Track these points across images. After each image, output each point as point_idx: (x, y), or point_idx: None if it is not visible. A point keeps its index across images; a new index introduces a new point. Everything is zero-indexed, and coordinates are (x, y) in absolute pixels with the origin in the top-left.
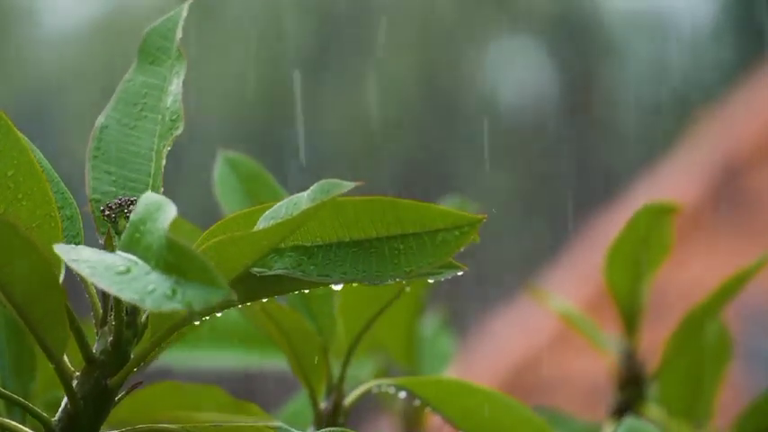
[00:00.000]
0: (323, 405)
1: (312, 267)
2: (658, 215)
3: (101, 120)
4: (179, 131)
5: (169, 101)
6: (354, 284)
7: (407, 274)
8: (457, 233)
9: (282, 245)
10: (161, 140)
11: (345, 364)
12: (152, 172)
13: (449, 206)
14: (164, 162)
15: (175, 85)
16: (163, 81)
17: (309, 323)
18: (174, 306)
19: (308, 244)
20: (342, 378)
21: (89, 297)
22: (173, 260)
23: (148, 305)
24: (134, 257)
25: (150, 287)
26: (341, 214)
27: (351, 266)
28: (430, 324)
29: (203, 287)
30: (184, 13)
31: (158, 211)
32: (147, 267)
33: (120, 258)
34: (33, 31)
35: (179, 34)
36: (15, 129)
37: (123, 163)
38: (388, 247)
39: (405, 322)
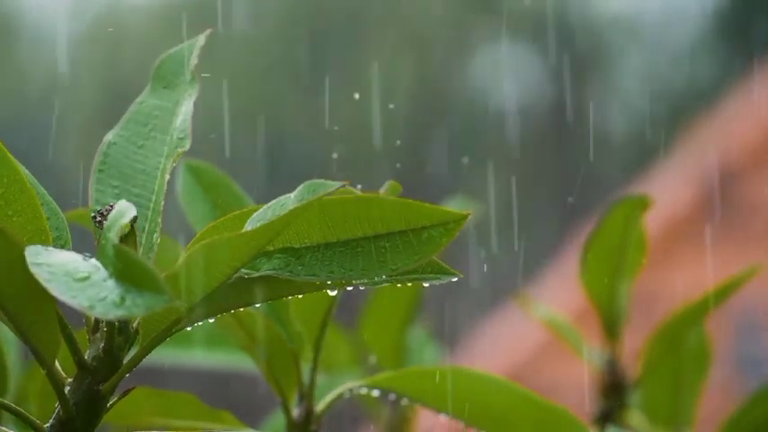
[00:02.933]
0: (295, 412)
1: (300, 268)
2: (633, 212)
3: (109, 137)
4: (185, 149)
5: (178, 121)
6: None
7: (394, 271)
8: (442, 230)
9: (271, 246)
10: (167, 159)
11: (314, 370)
12: (156, 189)
13: (452, 206)
14: (167, 177)
15: (186, 107)
16: (174, 105)
17: (281, 330)
18: (120, 314)
19: (297, 245)
20: (312, 384)
21: None
22: (122, 268)
23: (97, 313)
24: (98, 264)
25: (102, 294)
26: (328, 214)
27: (338, 266)
28: (416, 336)
29: (149, 294)
30: (201, 42)
31: (120, 218)
32: (105, 274)
33: (86, 265)
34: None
35: (194, 61)
36: (4, 147)
37: (128, 178)
38: (374, 246)
39: (395, 330)
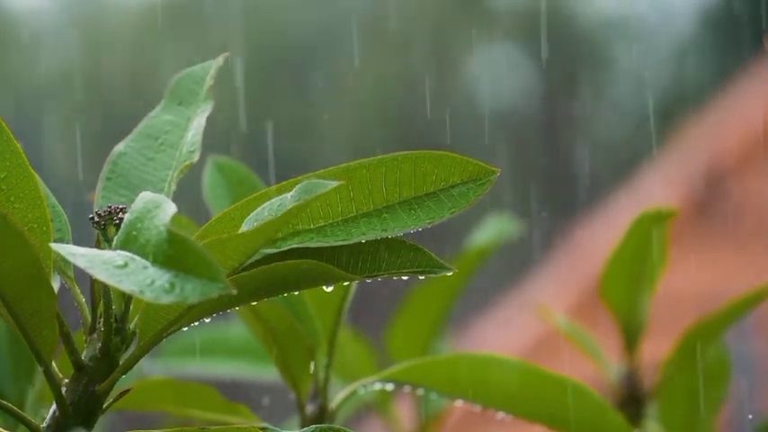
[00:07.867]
0: (308, 409)
1: (327, 238)
2: (656, 222)
3: (119, 147)
4: (194, 161)
5: (189, 135)
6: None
7: (429, 224)
8: (472, 185)
9: (280, 234)
10: (174, 171)
11: (328, 367)
12: None
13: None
14: (174, 188)
15: (198, 122)
16: (187, 121)
17: (298, 326)
18: (172, 299)
19: (311, 226)
20: (326, 379)
21: (78, 305)
22: (173, 253)
23: (148, 297)
24: (131, 254)
25: (149, 280)
26: (353, 178)
27: (366, 228)
28: (444, 349)
29: (202, 281)
30: (220, 62)
31: (157, 208)
32: (144, 262)
33: (117, 255)
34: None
35: (210, 81)
36: (9, 130)
37: (135, 188)
38: (401, 209)
39: (421, 342)
